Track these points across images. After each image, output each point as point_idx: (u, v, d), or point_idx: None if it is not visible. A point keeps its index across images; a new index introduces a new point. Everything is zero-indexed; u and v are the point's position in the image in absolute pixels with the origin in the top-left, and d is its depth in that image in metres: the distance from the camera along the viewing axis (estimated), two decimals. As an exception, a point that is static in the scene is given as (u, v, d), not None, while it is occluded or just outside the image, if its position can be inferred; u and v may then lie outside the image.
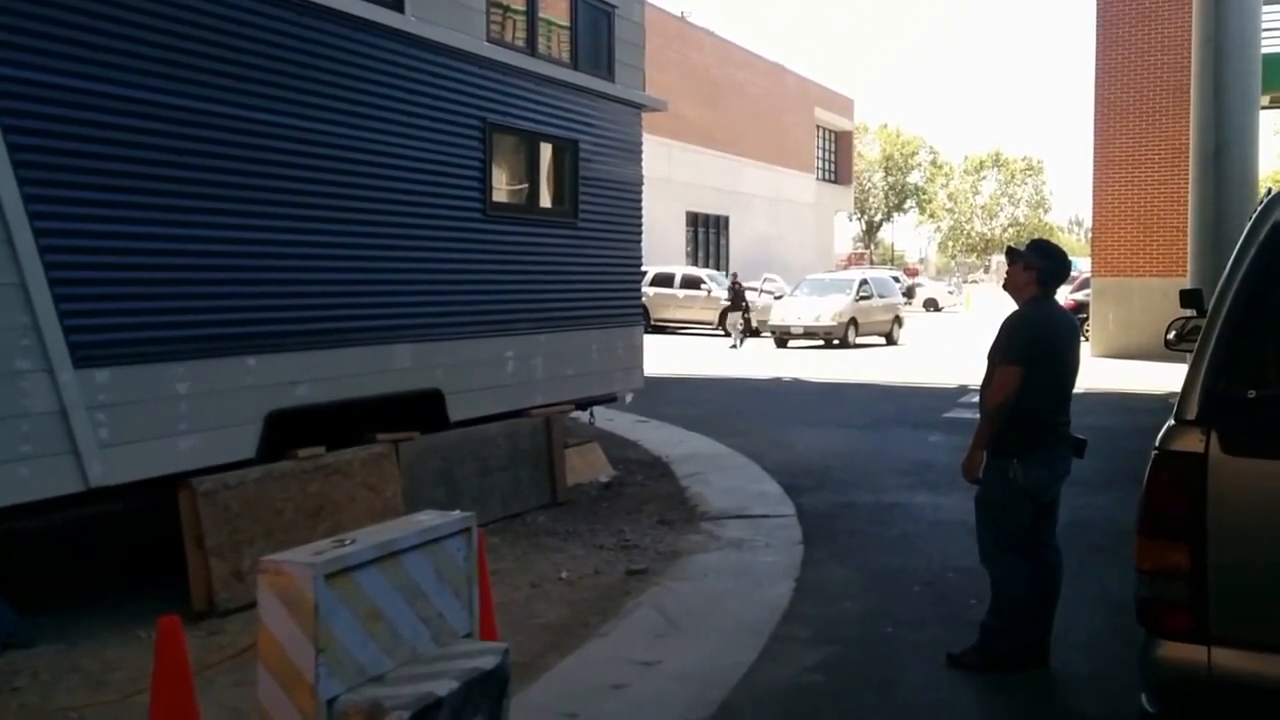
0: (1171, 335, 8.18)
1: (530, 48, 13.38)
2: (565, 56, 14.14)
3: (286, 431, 9.85)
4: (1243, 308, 4.91)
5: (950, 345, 40.22)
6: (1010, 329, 7.76)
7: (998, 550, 7.79)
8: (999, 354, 7.72)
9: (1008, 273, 8.02)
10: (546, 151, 13.94)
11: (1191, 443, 4.85)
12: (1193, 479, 4.82)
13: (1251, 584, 4.78)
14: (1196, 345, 5.04)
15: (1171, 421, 4.96)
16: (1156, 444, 4.96)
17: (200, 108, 9.00)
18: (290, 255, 9.92)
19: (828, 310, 38.98)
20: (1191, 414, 4.88)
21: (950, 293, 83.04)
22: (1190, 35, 21.89)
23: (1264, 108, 27.08)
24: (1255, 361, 5.00)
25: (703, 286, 46.18)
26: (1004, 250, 8.57)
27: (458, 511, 6.12)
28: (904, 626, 8.81)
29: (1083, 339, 19.75)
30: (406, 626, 5.48)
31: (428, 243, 11.56)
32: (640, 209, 15.83)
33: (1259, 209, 5.26)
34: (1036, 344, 7.63)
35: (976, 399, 8.24)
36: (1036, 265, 7.85)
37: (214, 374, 9.19)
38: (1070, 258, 8.54)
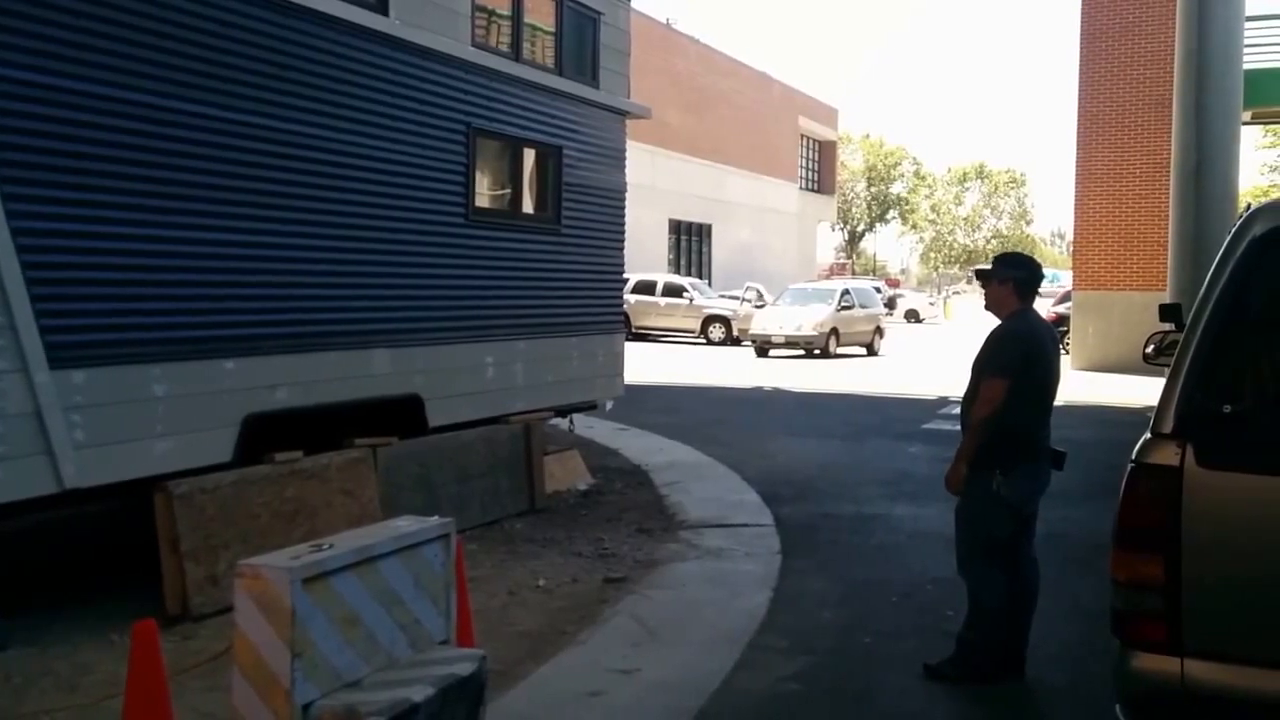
0: (1150, 349, 8.22)
1: (515, 53, 13.39)
2: (550, 62, 14.15)
3: (264, 435, 9.83)
4: (1219, 323, 4.94)
5: (931, 356, 40.28)
6: (997, 342, 7.78)
7: (977, 562, 7.81)
8: (985, 366, 7.73)
9: (986, 293, 8.04)
10: (530, 157, 13.96)
11: (1167, 456, 4.89)
12: (1168, 492, 4.86)
13: (1225, 596, 4.82)
14: (1173, 359, 5.07)
15: (1148, 435, 4.99)
16: (1133, 457, 5.00)
17: (181, 108, 8.99)
18: (270, 258, 9.91)
19: (809, 320, 38.93)
20: (1168, 428, 4.92)
21: (931, 304, 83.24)
22: (1173, 50, 22.01)
23: (1245, 123, 27.31)
24: (1231, 376, 5.03)
25: (685, 295, 46.16)
26: (974, 274, 8.60)
27: (436, 517, 6.13)
28: (882, 637, 8.83)
29: (1064, 351, 19.79)
30: (383, 632, 5.48)
31: (409, 247, 11.56)
32: (623, 216, 15.85)
33: (1237, 224, 5.29)
34: (1024, 357, 7.66)
35: (957, 410, 8.25)
36: (1012, 276, 7.88)
37: (191, 376, 9.17)
38: (1044, 268, 8.54)
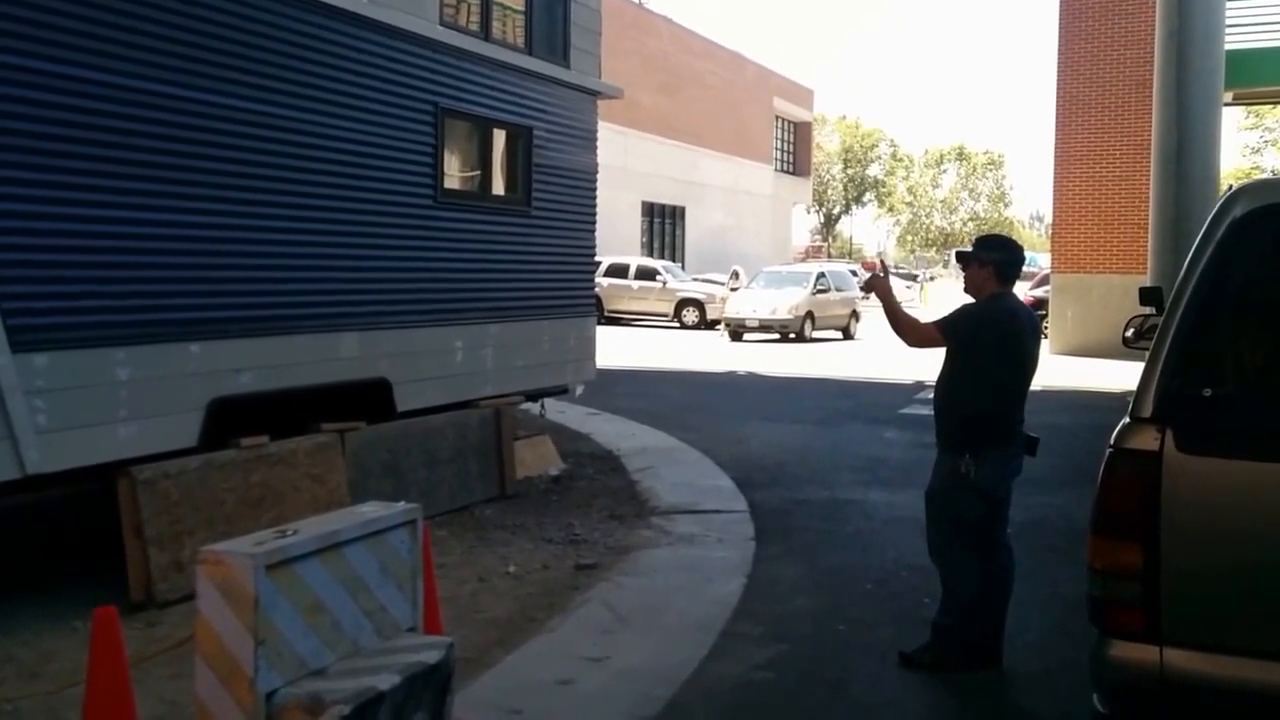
0: (1130, 333, 8.21)
1: (484, 32, 13.34)
2: (520, 41, 14.10)
3: (229, 420, 9.79)
4: (1199, 305, 4.94)
5: (907, 341, 40.20)
6: (961, 311, 7.92)
7: (948, 547, 7.85)
8: (940, 319, 7.91)
9: (965, 276, 8.07)
10: (500, 138, 13.91)
11: (1146, 441, 4.88)
12: (1147, 477, 4.85)
13: (1204, 584, 4.82)
14: (1153, 343, 5.07)
15: (1127, 419, 4.99)
16: (1111, 442, 4.99)
17: (143, 88, 8.92)
18: (235, 240, 9.85)
19: (784, 303, 38.97)
20: (1147, 412, 4.91)
21: (908, 287, 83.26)
22: (1154, 30, 22.01)
23: (1227, 105, 27.27)
24: (1211, 360, 5.03)
25: (658, 278, 46.14)
26: (954, 255, 8.68)
27: (402, 503, 6.11)
28: (856, 625, 8.85)
29: (1043, 335, 19.80)
30: (348, 619, 5.46)
31: (377, 229, 11.52)
32: (594, 198, 15.81)
33: (1217, 205, 5.28)
34: (975, 334, 7.74)
35: (932, 395, 8.27)
36: (992, 259, 7.89)
37: (156, 360, 9.13)
38: (1026, 251, 8.61)
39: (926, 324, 7.97)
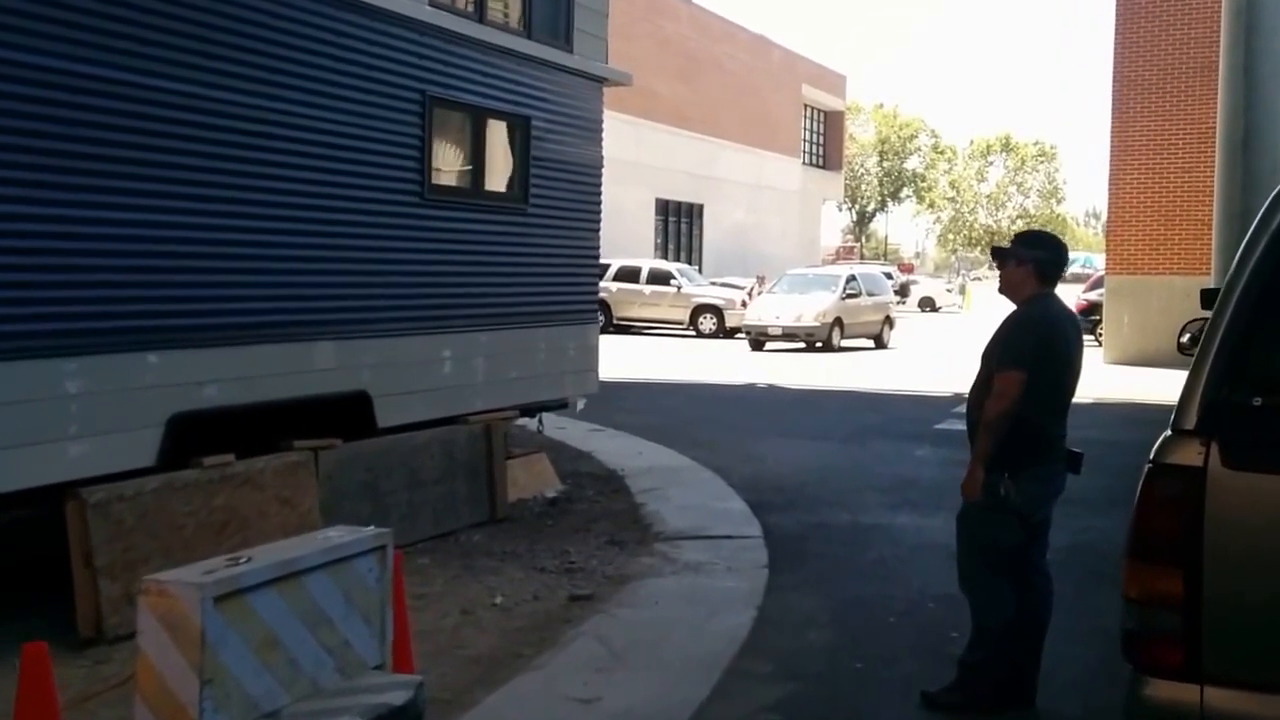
0: (1186, 338, 8.18)
1: (478, 13, 13.33)
2: (518, 24, 14.09)
3: (192, 437, 9.76)
4: (1251, 306, 4.87)
5: (947, 350, 40.09)
6: (1012, 329, 7.75)
7: (980, 575, 7.77)
8: (999, 356, 7.67)
9: (1002, 275, 7.99)
10: (494, 129, 13.89)
11: (1189, 455, 4.81)
12: (1189, 495, 4.78)
13: (1251, 616, 4.75)
14: (1199, 348, 5.00)
15: (1168, 431, 4.92)
16: (1150, 456, 4.92)
17: (95, 74, 8.89)
18: (198, 241, 9.82)
19: (810, 309, 38.93)
20: (1190, 423, 4.84)
21: (949, 290, 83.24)
22: (1219, 7, 21.93)
23: (1298, 89, 27.19)
24: (1262, 366, 4.96)
25: (672, 282, 46.05)
26: (990, 253, 8.57)
27: (371, 527, 6.08)
28: (876, 662, 8.80)
29: (1096, 343, 19.67)
30: (307, 656, 5.43)
31: (358, 228, 11.51)
32: (599, 194, 15.84)
33: (1272, 195, 5.22)
34: (1041, 347, 7.61)
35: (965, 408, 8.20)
36: (1032, 257, 7.82)
37: (110, 372, 9.10)
38: (1078, 251, 8.54)
39: (1000, 381, 7.55)
